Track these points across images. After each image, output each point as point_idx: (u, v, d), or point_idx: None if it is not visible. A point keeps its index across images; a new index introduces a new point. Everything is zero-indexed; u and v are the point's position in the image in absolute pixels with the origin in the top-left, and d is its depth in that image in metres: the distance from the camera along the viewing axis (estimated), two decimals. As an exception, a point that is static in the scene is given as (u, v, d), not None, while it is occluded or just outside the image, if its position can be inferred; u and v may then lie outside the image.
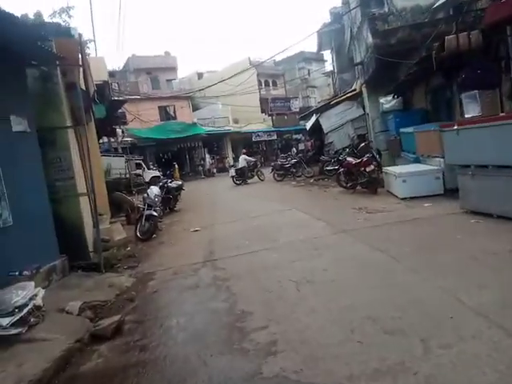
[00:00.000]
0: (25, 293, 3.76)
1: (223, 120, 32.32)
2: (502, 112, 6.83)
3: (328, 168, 14.70)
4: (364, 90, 14.61)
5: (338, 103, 16.94)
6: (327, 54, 29.76)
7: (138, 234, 8.27)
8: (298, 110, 33.96)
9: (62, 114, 6.19)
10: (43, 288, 4.23)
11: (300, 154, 20.08)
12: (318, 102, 29.89)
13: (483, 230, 5.45)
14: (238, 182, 18.12)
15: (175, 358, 3.16)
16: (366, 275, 4.37)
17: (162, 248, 7.53)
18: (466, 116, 7.39)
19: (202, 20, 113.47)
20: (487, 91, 7.22)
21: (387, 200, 8.82)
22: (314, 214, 8.28)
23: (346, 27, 17.26)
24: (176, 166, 25.00)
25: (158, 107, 29.57)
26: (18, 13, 5.67)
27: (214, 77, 29.73)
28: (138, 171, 20.45)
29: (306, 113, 24.21)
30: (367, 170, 10.12)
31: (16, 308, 3.59)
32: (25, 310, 3.65)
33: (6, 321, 3.48)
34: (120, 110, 18.47)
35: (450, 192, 7.77)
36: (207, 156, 30.77)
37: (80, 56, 6.97)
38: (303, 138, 30.23)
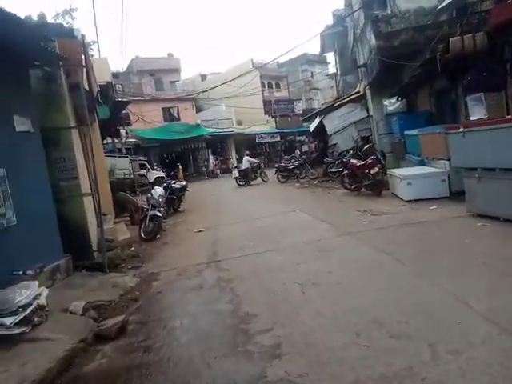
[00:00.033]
0: (28, 292, 3.75)
1: (227, 121, 32.35)
2: (508, 114, 6.77)
3: (332, 170, 14.69)
4: (368, 92, 14.55)
5: (341, 105, 16.90)
6: (330, 56, 29.77)
7: (142, 234, 8.27)
8: (301, 111, 34.00)
9: (66, 114, 6.21)
10: (47, 287, 4.23)
11: (304, 156, 20.00)
12: (322, 104, 29.88)
13: (490, 234, 5.39)
14: (241, 183, 18.10)
15: (179, 359, 3.14)
16: (372, 278, 4.33)
17: (165, 248, 7.53)
18: (472, 118, 7.34)
19: (205, 22, 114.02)
20: (493, 93, 7.15)
21: (392, 202, 8.76)
22: (318, 216, 8.24)
23: (348, 29, 17.24)
24: (180, 166, 25.00)
25: (162, 109, 29.67)
26: (21, 15, 5.67)
27: (217, 78, 29.81)
28: (142, 172, 20.52)
29: (309, 115, 24.18)
30: (372, 172, 10.09)
31: (20, 307, 3.58)
32: (28, 310, 3.64)
33: (9, 320, 3.47)
34: (124, 111, 18.49)
35: (456, 195, 7.71)
36: (211, 157, 30.84)
37: (83, 57, 6.98)
38: (307, 140, 30.17)
